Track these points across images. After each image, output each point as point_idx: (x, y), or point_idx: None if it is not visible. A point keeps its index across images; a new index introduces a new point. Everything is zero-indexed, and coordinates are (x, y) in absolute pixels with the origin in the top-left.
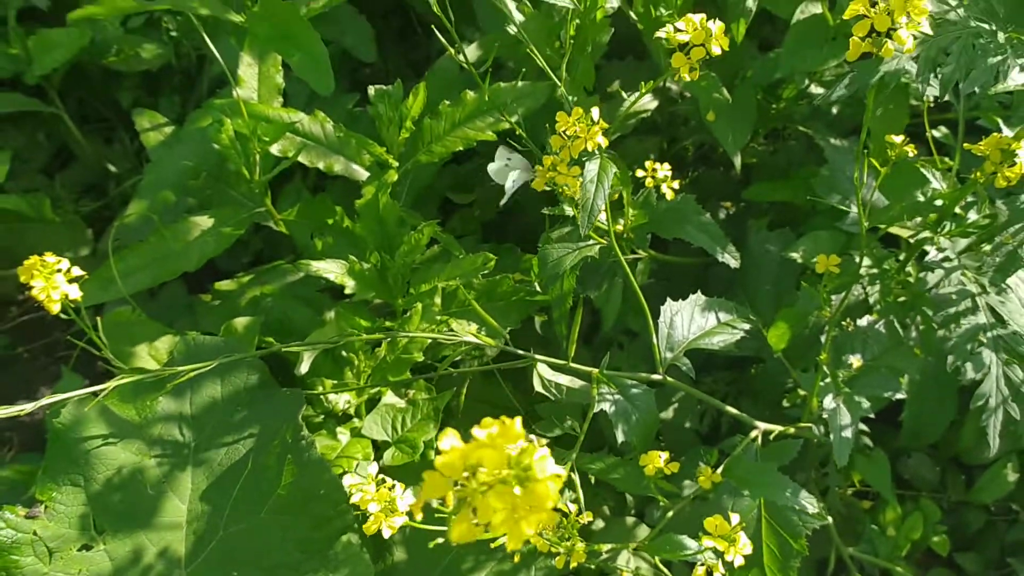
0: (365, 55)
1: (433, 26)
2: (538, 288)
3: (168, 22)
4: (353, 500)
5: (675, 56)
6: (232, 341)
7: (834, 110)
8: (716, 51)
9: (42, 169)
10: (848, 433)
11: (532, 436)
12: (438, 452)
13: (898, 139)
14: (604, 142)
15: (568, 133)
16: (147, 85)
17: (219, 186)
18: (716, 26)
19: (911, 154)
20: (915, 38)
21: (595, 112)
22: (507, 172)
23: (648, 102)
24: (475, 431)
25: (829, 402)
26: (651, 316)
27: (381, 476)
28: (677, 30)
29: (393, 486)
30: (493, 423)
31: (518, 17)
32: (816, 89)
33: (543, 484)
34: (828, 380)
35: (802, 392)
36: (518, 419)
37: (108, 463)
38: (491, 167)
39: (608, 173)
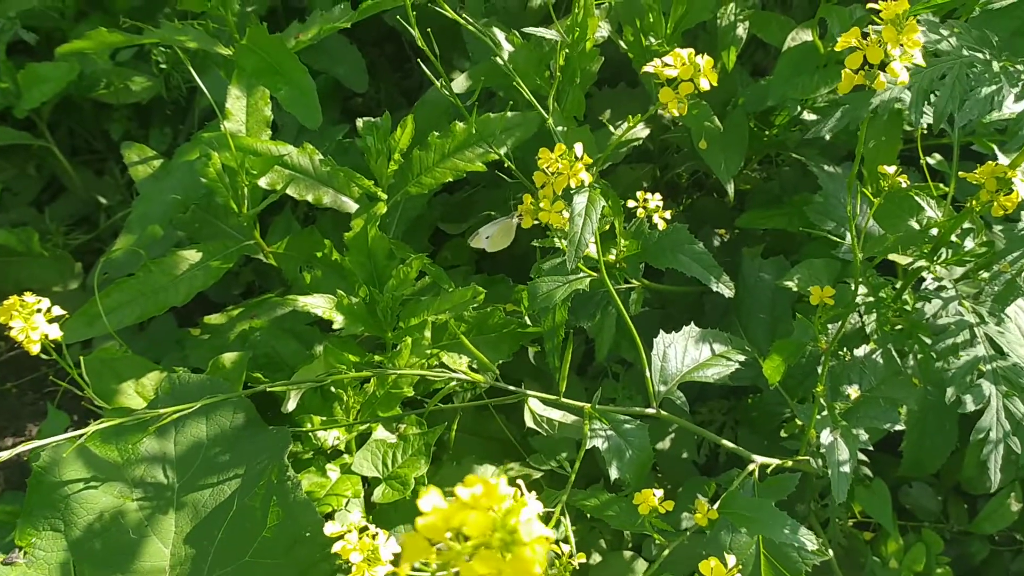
0: (357, 85)
1: (419, 60)
2: (529, 320)
3: (158, 55)
4: (334, 549)
5: (663, 91)
6: (217, 380)
7: (827, 136)
8: (705, 86)
9: (32, 202)
10: (846, 468)
11: (520, 483)
12: (420, 513)
13: (891, 169)
14: (589, 178)
15: (551, 169)
16: (138, 117)
17: (208, 219)
18: (704, 61)
19: (904, 184)
20: (908, 69)
21: (579, 148)
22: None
23: (640, 130)
24: (459, 491)
25: (826, 436)
26: (644, 348)
27: (364, 524)
28: (665, 64)
29: (376, 534)
30: (477, 481)
31: (507, 48)
32: (808, 116)
33: (530, 547)
34: (825, 412)
35: (800, 422)
36: (503, 479)
37: (89, 507)
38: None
39: (596, 207)
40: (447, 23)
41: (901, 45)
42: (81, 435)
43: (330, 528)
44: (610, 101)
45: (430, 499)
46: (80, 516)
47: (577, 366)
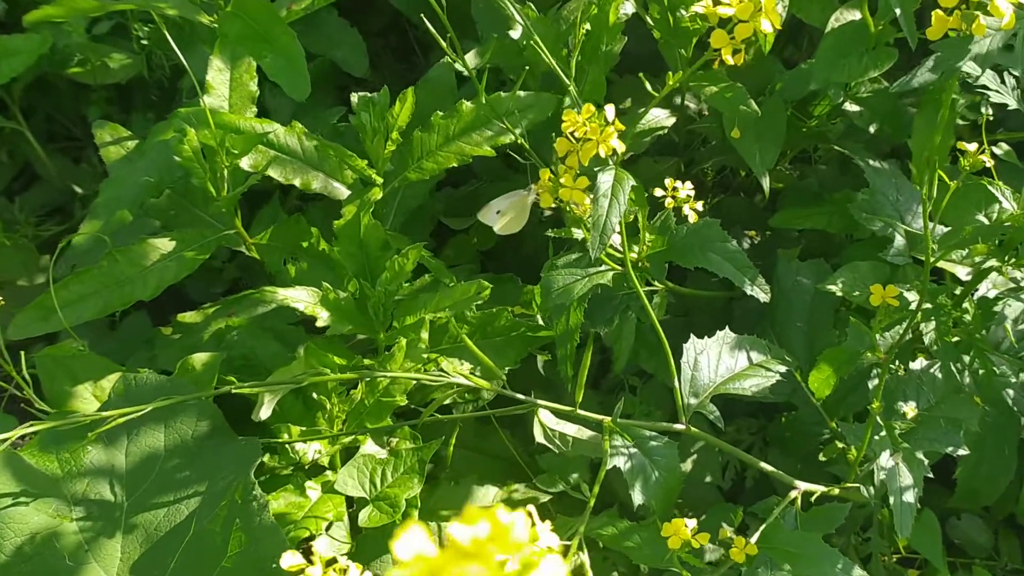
0: (356, 69)
1: (430, 25)
2: (540, 322)
3: (138, 29)
4: None
5: (715, 34)
6: (180, 381)
7: (871, 129)
8: (767, 28)
9: (2, 190)
10: (910, 497)
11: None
12: (395, 562)
13: (971, 147)
14: (620, 147)
15: (577, 135)
16: (120, 100)
17: (184, 205)
18: None
19: (987, 164)
20: (1016, 7)
21: (610, 111)
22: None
23: (664, 118)
24: (454, 531)
25: (886, 460)
26: (671, 355)
27: (332, 555)
28: (718, 2)
29: (347, 569)
30: (480, 516)
31: (521, 23)
32: (851, 106)
33: None
34: (883, 433)
35: (841, 444)
36: (520, 514)
37: (18, 527)
38: (480, 214)
39: (624, 187)
40: (453, 3)
41: None
42: (4, 440)
43: (288, 560)
44: (631, 90)
45: (411, 541)
46: (7, 538)
47: (589, 379)
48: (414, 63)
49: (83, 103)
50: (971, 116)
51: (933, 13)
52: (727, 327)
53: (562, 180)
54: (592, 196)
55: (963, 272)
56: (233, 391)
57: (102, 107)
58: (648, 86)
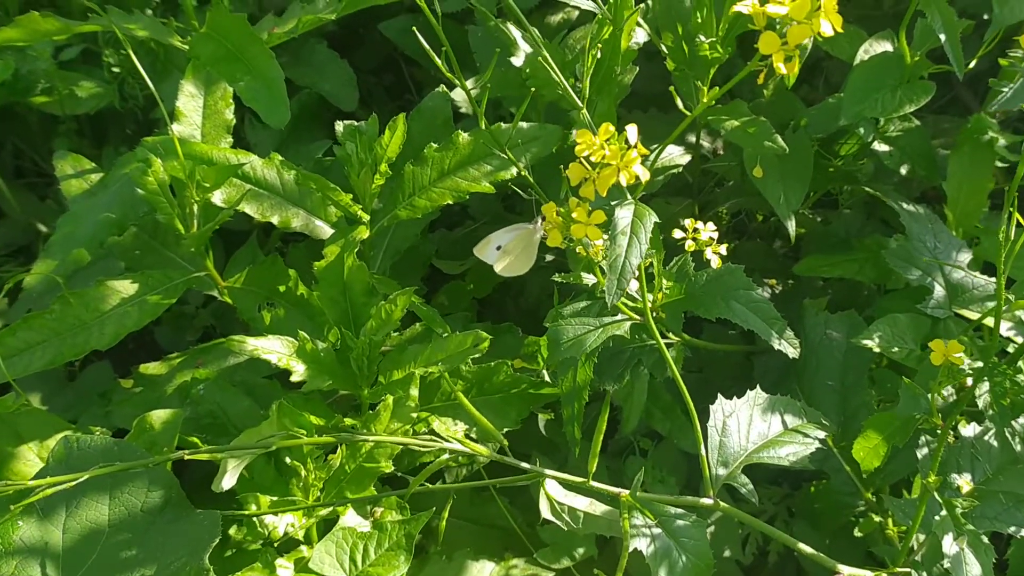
0: (345, 103)
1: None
2: (543, 377)
3: (109, 55)
4: None
5: (764, 36)
6: (130, 445)
7: (903, 170)
8: (827, 31)
9: None
10: None
11: None
12: None
13: None
14: (645, 174)
15: (594, 159)
16: (93, 133)
17: (152, 244)
18: None
19: None
20: None
21: (631, 132)
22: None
23: (679, 156)
24: None
25: (950, 546)
26: (696, 415)
27: None
28: (766, 1)
29: None
30: None
31: (525, 49)
32: (880, 146)
33: None
34: (943, 513)
35: (878, 519)
36: None
37: None
38: (478, 250)
39: (646, 224)
40: (450, 38)
41: None
42: None
43: None
44: (641, 125)
45: None
46: None
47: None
48: (408, 101)
49: (52, 136)
50: (1012, 158)
51: None
52: (758, 387)
53: (574, 214)
54: (608, 234)
55: (1005, 327)
56: (188, 457)
57: (71, 139)
58: (679, 102)
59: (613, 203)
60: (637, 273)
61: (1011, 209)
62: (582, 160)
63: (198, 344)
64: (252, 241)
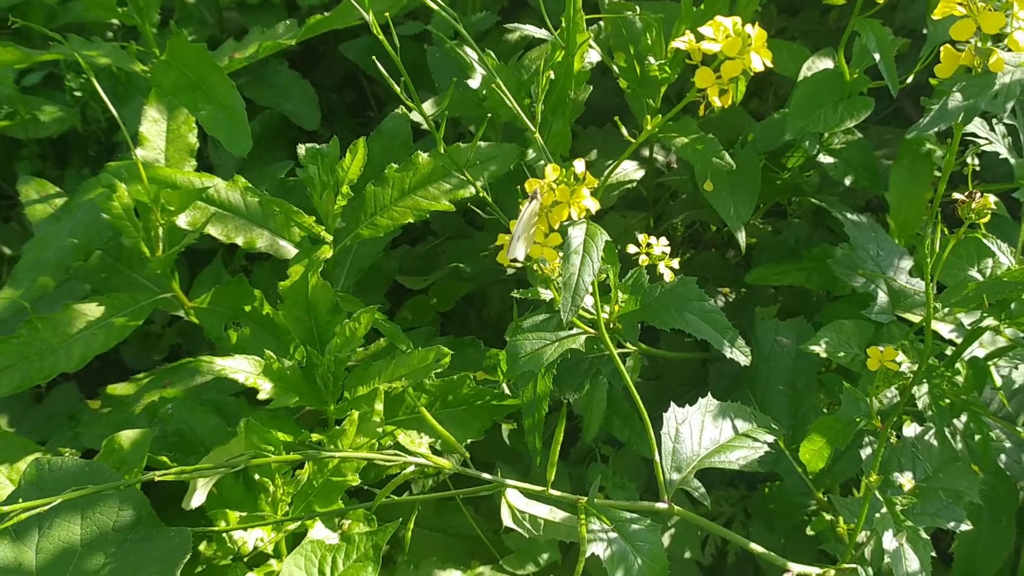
0: (307, 122)
1: (381, 65)
2: (506, 390)
3: (72, 80)
4: None
5: (700, 72)
6: (100, 466)
7: (847, 181)
8: (757, 65)
9: None
10: None
11: None
12: None
13: (979, 196)
14: (595, 206)
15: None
16: (55, 155)
17: (117, 267)
18: (755, 31)
19: (988, 212)
20: None
21: (579, 165)
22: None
23: (632, 171)
24: None
25: (890, 542)
26: (650, 423)
27: None
28: (702, 37)
29: None
30: None
31: (482, 72)
32: (825, 158)
33: None
34: (883, 510)
35: (830, 517)
36: None
37: None
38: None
39: (597, 243)
40: (409, 57)
41: None
42: None
43: None
44: (596, 141)
45: None
46: None
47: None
48: (370, 118)
49: (14, 158)
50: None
51: (942, 48)
52: (708, 394)
53: (532, 236)
54: (562, 253)
55: (945, 330)
56: (158, 479)
57: (34, 163)
58: (624, 131)
59: (565, 223)
60: (591, 290)
61: (935, 221)
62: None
63: (165, 362)
64: (217, 260)
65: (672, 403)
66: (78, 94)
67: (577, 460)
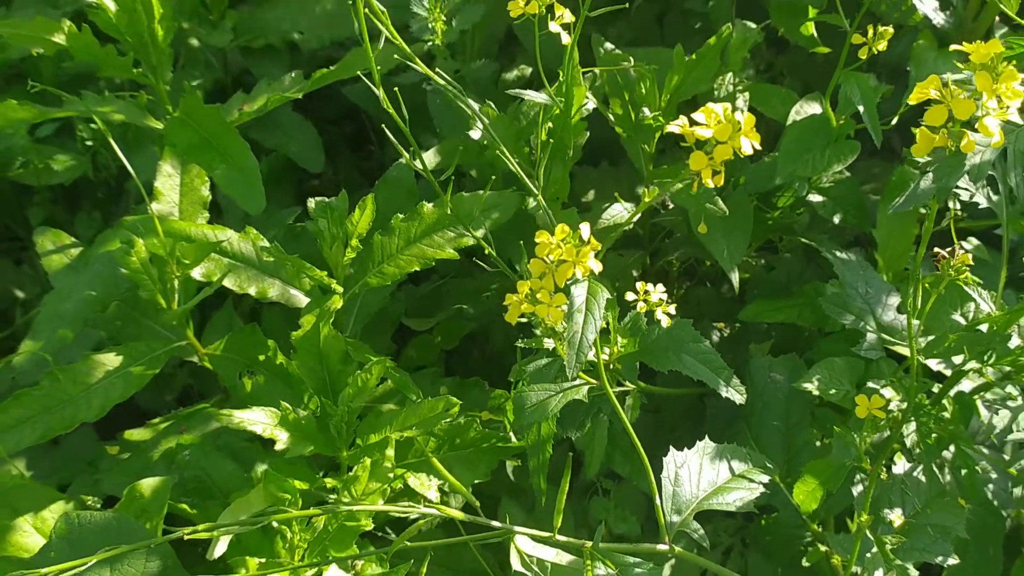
0: (311, 164)
1: (385, 126)
2: (511, 435)
3: (83, 129)
4: None
5: (693, 156)
6: (127, 518)
7: (836, 219)
8: (747, 149)
9: None
10: None
11: None
12: None
13: (947, 252)
14: (598, 267)
15: (552, 257)
16: (64, 199)
17: (133, 316)
18: (744, 118)
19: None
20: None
21: (585, 229)
22: None
23: (628, 213)
24: None
25: None
26: (649, 465)
27: None
28: (695, 123)
29: None
30: None
31: (482, 122)
32: (815, 197)
33: None
34: (874, 550)
35: (824, 548)
36: None
37: None
38: None
39: (599, 300)
40: (411, 100)
41: (997, 96)
42: None
43: None
44: (593, 181)
45: None
46: None
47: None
48: (370, 152)
49: (26, 203)
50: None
51: (918, 131)
52: (706, 428)
53: (538, 295)
54: (566, 311)
55: (933, 363)
56: (187, 537)
57: (46, 208)
58: (621, 205)
59: (568, 281)
60: (594, 348)
61: (916, 279)
62: (542, 258)
63: (177, 402)
64: (228, 305)
65: (671, 447)
66: (89, 143)
67: (579, 493)
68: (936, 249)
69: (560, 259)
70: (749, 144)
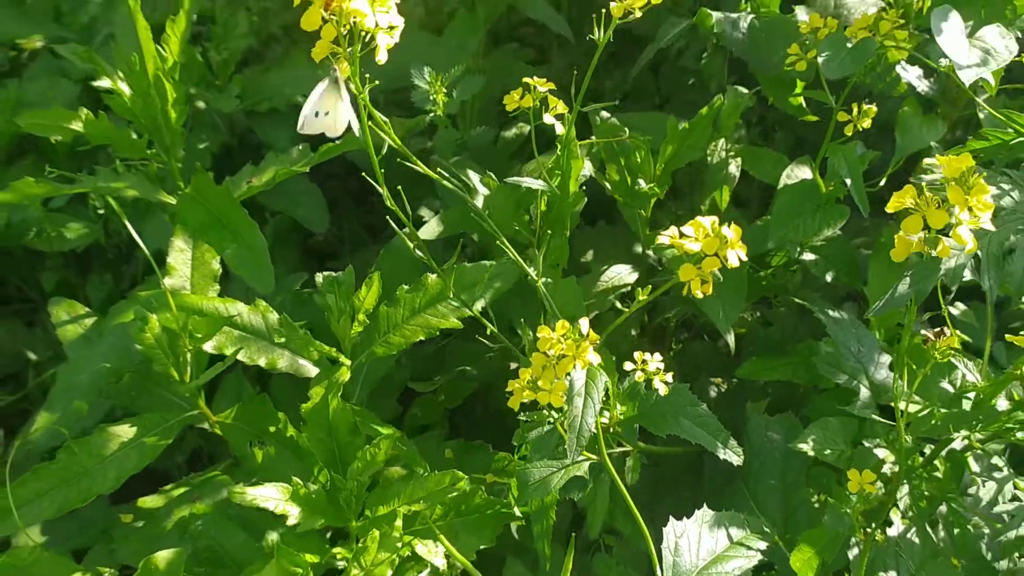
0: (317, 225)
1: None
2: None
3: (95, 199)
4: None
5: (683, 268)
6: None
7: (828, 277)
8: (734, 261)
9: None
10: None
11: None
12: None
13: (934, 334)
14: (598, 360)
15: (553, 352)
16: (76, 263)
17: (146, 386)
18: (732, 231)
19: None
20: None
21: (584, 325)
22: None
23: (627, 275)
24: None
25: None
26: (651, 539)
27: None
28: (684, 236)
29: None
30: None
31: (483, 191)
32: (807, 256)
33: None
34: None
35: None
36: None
37: None
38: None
39: (598, 384)
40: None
41: (969, 208)
42: None
43: None
44: (591, 241)
45: None
46: None
47: (562, 538)
48: (372, 205)
49: (38, 266)
50: None
51: (896, 237)
52: (693, 486)
53: (539, 383)
54: (566, 395)
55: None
56: None
57: (58, 272)
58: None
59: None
60: (594, 430)
61: (904, 360)
62: (544, 352)
63: (188, 464)
64: (238, 371)
65: (671, 518)
66: (101, 212)
67: (581, 549)
68: (923, 332)
69: (561, 354)
70: (736, 256)
